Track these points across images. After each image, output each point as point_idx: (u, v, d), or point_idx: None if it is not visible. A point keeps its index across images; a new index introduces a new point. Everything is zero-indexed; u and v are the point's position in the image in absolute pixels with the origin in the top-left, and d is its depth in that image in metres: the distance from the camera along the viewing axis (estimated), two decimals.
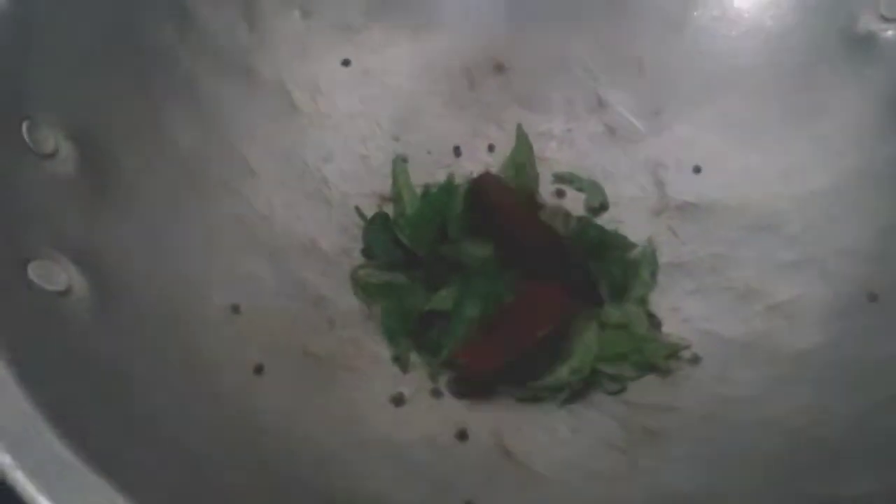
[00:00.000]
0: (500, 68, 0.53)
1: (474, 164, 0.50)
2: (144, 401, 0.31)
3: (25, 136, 0.33)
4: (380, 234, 0.45)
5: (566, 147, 0.52)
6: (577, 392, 0.41)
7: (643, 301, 0.44)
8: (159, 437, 0.30)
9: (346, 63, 0.51)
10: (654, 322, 0.44)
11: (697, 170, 0.49)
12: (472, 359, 0.39)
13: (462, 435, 0.39)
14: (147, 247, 0.38)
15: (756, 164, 0.48)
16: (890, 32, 0.46)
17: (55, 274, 0.31)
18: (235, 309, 0.40)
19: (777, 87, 0.49)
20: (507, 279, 0.42)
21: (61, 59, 0.37)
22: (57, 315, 0.30)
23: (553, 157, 0.51)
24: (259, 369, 0.38)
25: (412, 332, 0.42)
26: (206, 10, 0.46)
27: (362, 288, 0.44)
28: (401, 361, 0.42)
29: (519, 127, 0.50)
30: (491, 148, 0.51)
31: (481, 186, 0.46)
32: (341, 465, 0.36)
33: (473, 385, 0.40)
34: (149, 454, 0.29)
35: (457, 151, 0.50)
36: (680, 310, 0.44)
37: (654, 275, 0.45)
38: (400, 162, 0.49)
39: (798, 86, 0.49)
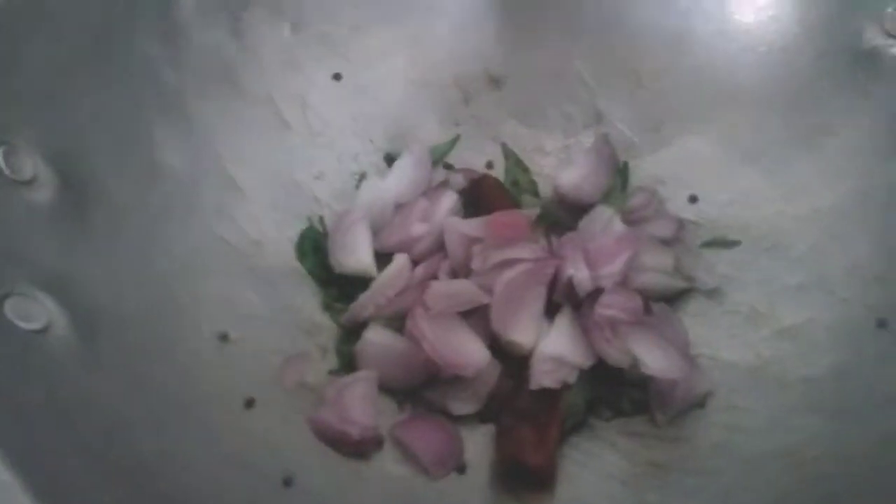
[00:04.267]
0: (495, 82, 0.52)
1: None
2: (134, 445, 0.30)
3: (1, 162, 0.32)
4: (308, 252, 0.45)
5: (564, 163, 0.51)
6: (579, 422, 0.39)
7: None
8: (148, 485, 0.28)
9: (336, 77, 0.50)
10: None
11: (693, 199, 0.48)
12: (532, 456, 0.37)
13: (461, 469, 0.37)
14: (133, 275, 0.37)
15: (757, 183, 0.47)
16: (894, 49, 0.45)
17: (33, 311, 0.29)
18: (224, 337, 0.38)
19: (778, 103, 0.48)
20: None
21: (40, 79, 0.35)
22: (36, 354, 0.29)
23: (551, 172, 0.50)
24: (250, 403, 0.36)
25: None
26: (194, 25, 0.45)
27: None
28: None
29: (503, 146, 0.49)
30: (490, 165, 0.50)
31: (480, 187, 0.46)
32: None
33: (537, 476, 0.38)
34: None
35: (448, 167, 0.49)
36: None
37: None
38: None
39: (800, 103, 0.48)
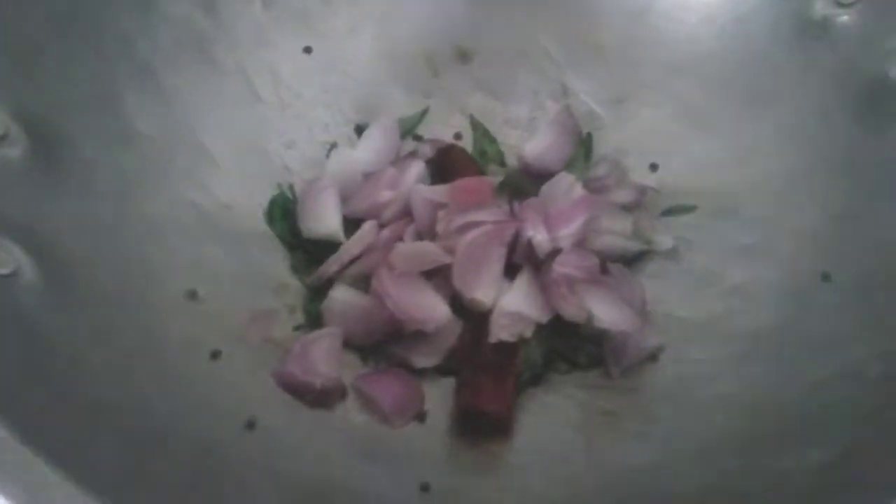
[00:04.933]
0: (463, 56, 0.53)
1: None
2: (95, 385, 0.31)
3: None
4: (278, 218, 0.46)
5: (530, 135, 0.52)
6: (537, 375, 0.41)
7: None
8: (108, 422, 0.29)
9: (307, 50, 0.51)
10: None
11: (654, 167, 0.49)
12: (490, 404, 0.38)
13: (421, 417, 0.39)
14: (102, 231, 0.38)
15: (714, 150, 0.49)
16: (845, 17, 0.47)
17: (1, 257, 0.31)
18: (192, 295, 0.40)
19: (734, 72, 0.50)
20: None
21: (14, 43, 0.37)
22: (4, 297, 0.30)
23: (518, 143, 0.51)
24: (216, 355, 0.38)
25: None
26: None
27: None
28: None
29: (471, 117, 0.51)
30: (458, 136, 0.51)
31: (447, 157, 0.47)
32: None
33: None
34: (96, 438, 0.28)
35: (417, 139, 0.50)
36: None
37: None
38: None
39: (755, 72, 0.49)
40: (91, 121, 0.40)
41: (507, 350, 0.39)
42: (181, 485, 0.30)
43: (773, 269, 0.43)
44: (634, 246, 0.46)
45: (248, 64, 0.49)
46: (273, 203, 0.46)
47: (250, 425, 0.35)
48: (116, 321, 0.35)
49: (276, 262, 0.45)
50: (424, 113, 0.52)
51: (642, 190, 0.49)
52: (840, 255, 0.41)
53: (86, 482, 0.24)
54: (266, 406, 0.36)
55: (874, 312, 0.38)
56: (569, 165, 0.50)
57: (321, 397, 0.38)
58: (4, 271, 0.31)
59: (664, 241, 0.46)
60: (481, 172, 0.48)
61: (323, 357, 0.39)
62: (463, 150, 0.49)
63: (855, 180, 0.43)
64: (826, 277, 0.40)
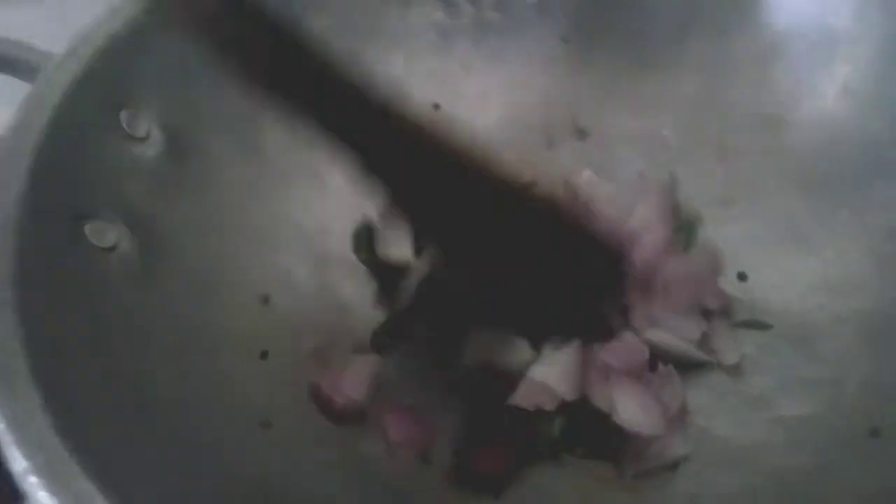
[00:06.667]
0: (580, 133, 0.55)
1: None
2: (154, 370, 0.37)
3: (123, 121, 0.41)
4: (363, 247, 0.50)
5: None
6: (550, 451, 0.42)
7: None
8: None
9: (435, 107, 0.56)
10: None
11: (742, 277, 0.48)
12: (485, 465, 0.40)
13: (425, 458, 0.41)
14: (208, 230, 0.44)
15: (809, 273, 0.46)
16: None
17: (107, 233, 0.38)
18: (265, 299, 0.45)
19: (853, 199, 0.47)
20: None
21: (168, 66, 0.44)
22: (97, 266, 0.37)
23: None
24: (265, 355, 0.43)
25: None
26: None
27: None
28: None
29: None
30: None
31: None
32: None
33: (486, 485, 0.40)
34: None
35: None
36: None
37: None
38: None
39: (877, 202, 0.46)
40: (225, 137, 0.47)
41: (523, 417, 0.40)
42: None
43: (826, 410, 0.40)
44: (697, 355, 0.45)
45: None
46: (359, 230, 0.50)
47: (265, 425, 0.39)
48: (188, 309, 0.41)
49: (357, 289, 0.49)
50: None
51: (728, 299, 0.47)
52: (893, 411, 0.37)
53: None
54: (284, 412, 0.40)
55: None
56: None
57: (340, 415, 0.41)
58: (106, 244, 0.38)
59: (731, 355, 0.45)
60: None
61: (354, 380, 0.42)
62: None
63: None
64: (874, 433, 0.37)
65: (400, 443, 0.40)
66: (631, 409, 0.40)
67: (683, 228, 0.50)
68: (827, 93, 0.50)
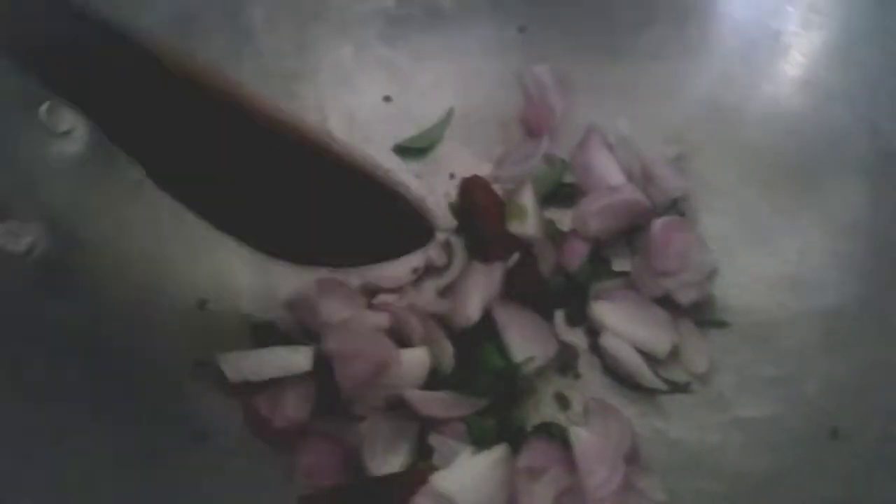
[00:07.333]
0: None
1: None
2: None
3: (42, 115, 0.38)
4: None
5: None
6: None
7: None
8: None
9: (387, 99, 0.54)
10: None
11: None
12: None
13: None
14: (137, 229, 0.42)
15: (769, 270, 0.45)
16: None
17: (22, 235, 0.35)
18: (202, 304, 0.43)
19: (810, 193, 0.46)
20: None
21: None
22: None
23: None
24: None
25: None
26: (263, 32, 0.50)
27: None
28: None
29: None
30: None
31: (469, 187, 0.49)
32: None
33: None
34: None
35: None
36: None
37: None
38: None
39: (829, 198, 0.45)
40: None
41: None
42: None
43: (786, 412, 0.39)
44: (651, 381, 0.42)
45: (327, 103, 0.52)
46: None
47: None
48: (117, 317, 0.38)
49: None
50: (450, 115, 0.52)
51: (704, 298, 0.45)
52: (856, 412, 0.36)
53: None
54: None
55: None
56: None
57: (274, 434, 0.39)
58: (19, 249, 0.35)
59: (700, 363, 0.43)
60: (501, 205, 0.48)
61: (296, 401, 0.40)
62: (485, 182, 0.49)
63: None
64: (834, 434, 0.36)
65: (307, 474, 0.39)
66: None
67: None
68: (785, 83, 0.48)
